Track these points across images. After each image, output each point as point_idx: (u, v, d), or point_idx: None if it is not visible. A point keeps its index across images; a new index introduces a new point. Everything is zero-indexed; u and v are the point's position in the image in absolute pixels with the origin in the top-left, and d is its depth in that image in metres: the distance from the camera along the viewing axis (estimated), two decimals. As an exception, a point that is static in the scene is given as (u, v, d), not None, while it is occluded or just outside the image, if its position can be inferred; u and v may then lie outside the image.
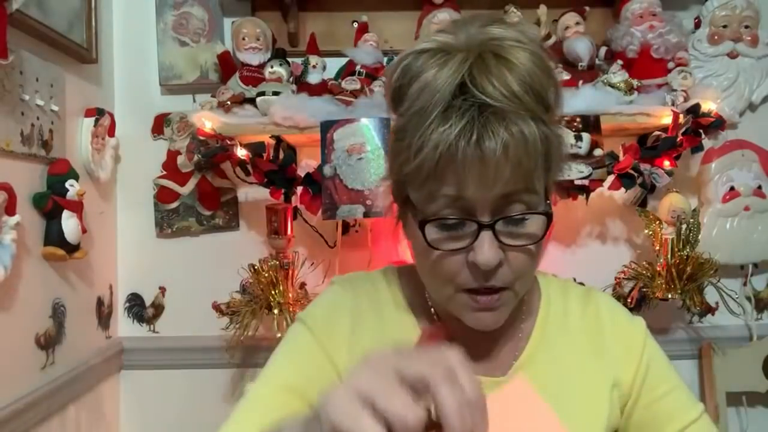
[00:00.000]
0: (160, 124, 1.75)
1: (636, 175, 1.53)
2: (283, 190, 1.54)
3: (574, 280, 0.84)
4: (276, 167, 1.52)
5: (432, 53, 0.62)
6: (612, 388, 0.74)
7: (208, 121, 1.52)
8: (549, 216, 0.64)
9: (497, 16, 0.66)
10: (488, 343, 0.74)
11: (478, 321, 0.67)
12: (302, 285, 1.63)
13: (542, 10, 1.65)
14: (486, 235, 0.61)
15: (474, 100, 0.59)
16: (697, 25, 1.73)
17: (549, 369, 0.74)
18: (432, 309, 0.76)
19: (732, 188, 1.68)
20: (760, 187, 1.68)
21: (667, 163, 1.53)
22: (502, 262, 0.63)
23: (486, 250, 0.61)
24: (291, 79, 1.62)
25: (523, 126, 0.59)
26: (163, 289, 1.77)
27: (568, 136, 1.48)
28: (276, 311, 1.53)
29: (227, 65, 1.66)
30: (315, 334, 0.73)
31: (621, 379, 0.74)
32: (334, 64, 1.67)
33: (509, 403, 0.71)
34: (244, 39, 1.62)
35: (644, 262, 1.64)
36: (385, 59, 1.67)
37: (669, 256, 1.58)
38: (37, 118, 1.32)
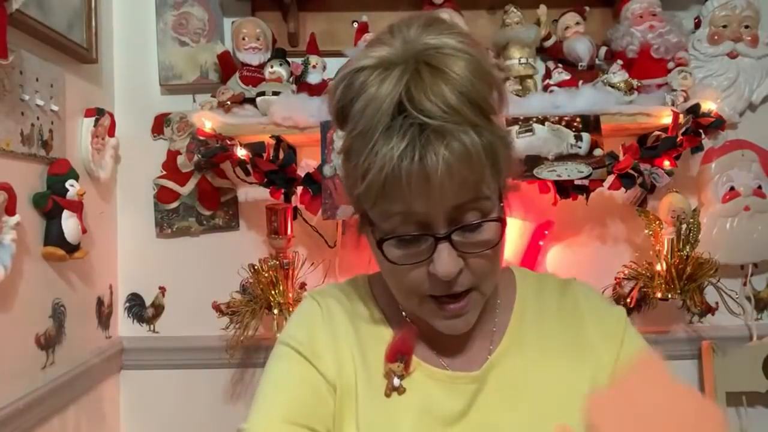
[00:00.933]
0: (160, 124, 1.75)
1: (636, 175, 1.53)
2: (283, 190, 1.54)
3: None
4: (276, 167, 1.52)
5: (371, 70, 0.62)
6: (592, 378, 0.73)
7: (208, 121, 1.52)
8: (501, 221, 0.65)
9: (433, 18, 0.65)
10: (462, 339, 0.75)
11: (450, 328, 0.69)
12: (302, 285, 1.63)
13: (542, 10, 1.65)
14: (443, 247, 0.63)
15: (413, 119, 0.59)
16: (697, 25, 1.73)
17: (524, 364, 0.74)
18: (403, 312, 0.77)
19: (732, 188, 1.68)
20: (760, 187, 1.68)
21: (667, 163, 1.53)
22: (462, 269, 0.65)
23: (445, 261, 0.63)
24: (291, 79, 1.62)
25: (465, 139, 0.59)
26: (163, 289, 1.77)
27: (568, 137, 1.48)
28: (276, 311, 1.53)
29: (227, 65, 1.66)
30: (300, 351, 0.74)
31: (602, 364, 0.74)
32: (334, 64, 1.66)
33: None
34: (244, 39, 1.62)
35: (644, 262, 1.64)
36: (385, 59, 1.67)
37: (669, 256, 1.58)
38: (37, 118, 1.32)
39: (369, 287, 0.81)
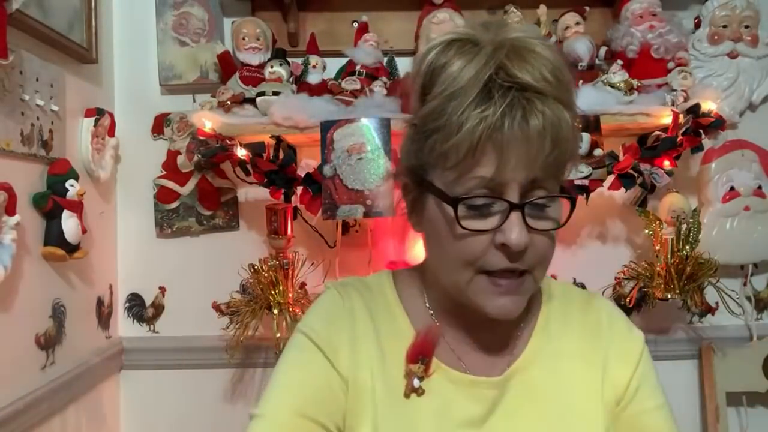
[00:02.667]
0: (160, 124, 1.75)
1: (636, 175, 1.52)
2: (283, 190, 1.54)
3: (574, 280, 0.84)
4: (276, 167, 1.52)
5: (461, 44, 0.64)
6: (606, 395, 0.74)
7: (208, 121, 1.52)
8: (573, 201, 0.66)
9: (508, 23, 0.69)
10: (485, 342, 0.74)
11: (500, 307, 0.66)
12: (302, 285, 1.63)
13: (542, 10, 1.65)
14: (516, 216, 0.62)
15: (512, 82, 0.60)
16: (697, 25, 1.73)
17: (546, 373, 0.73)
18: (430, 311, 0.76)
19: (732, 188, 1.68)
20: (760, 187, 1.68)
21: (667, 163, 1.52)
22: (527, 246, 0.63)
23: (517, 230, 0.62)
24: (291, 79, 1.62)
25: (558, 110, 0.61)
26: (163, 289, 1.77)
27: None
28: (276, 311, 1.53)
29: (227, 65, 1.66)
30: (317, 343, 0.73)
31: (616, 383, 0.74)
32: (334, 64, 1.67)
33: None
34: (244, 39, 1.62)
35: (644, 262, 1.64)
36: (385, 59, 1.67)
37: (669, 256, 1.58)
38: (37, 118, 1.32)
39: (393, 283, 0.79)
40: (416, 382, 0.70)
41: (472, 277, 0.66)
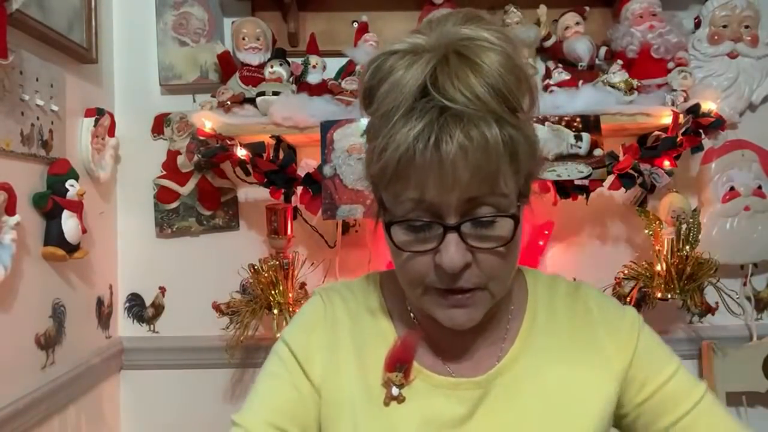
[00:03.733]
0: (160, 124, 1.75)
1: (636, 175, 1.52)
2: (283, 190, 1.54)
3: (574, 280, 0.83)
4: (276, 167, 1.52)
5: (401, 54, 0.62)
6: (600, 386, 0.72)
7: (208, 121, 1.52)
8: (516, 218, 0.63)
9: (474, 14, 0.64)
10: (469, 344, 0.73)
11: (451, 319, 0.66)
12: (302, 285, 1.63)
13: (542, 10, 1.65)
14: (452, 238, 0.61)
15: (435, 102, 0.59)
16: (697, 25, 1.73)
17: (532, 369, 0.72)
18: (411, 314, 0.75)
19: (732, 188, 1.68)
20: (760, 187, 1.68)
21: (667, 163, 1.52)
22: (470, 264, 0.63)
23: (452, 252, 0.61)
24: (291, 79, 1.62)
25: (484, 128, 0.58)
26: (163, 289, 1.77)
27: (568, 137, 1.48)
28: (276, 311, 1.53)
29: (227, 65, 1.66)
30: (294, 352, 0.75)
31: (617, 371, 0.73)
32: (334, 64, 1.67)
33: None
34: (244, 39, 1.62)
35: (644, 262, 1.64)
36: (385, 59, 1.67)
37: (669, 256, 1.58)
38: (37, 118, 1.32)
39: (380, 286, 0.79)
40: (395, 391, 0.70)
41: (423, 292, 0.66)
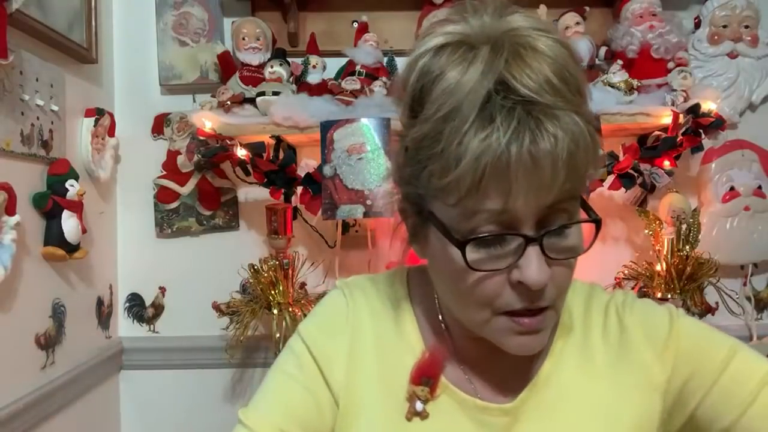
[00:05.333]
0: (160, 124, 1.75)
1: (636, 175, 1.53)
2: (283, 190, 1.54)
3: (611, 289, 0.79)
4: (276, 167, 1.52)
5: (453, 48, 0.55)
6: (646, 401, 0.65)
7: (208, 121, 1.52)
8: (599, 223, 0.57)
9: (508, 3, 0.57)
10: (500, 363, 0.66)
11: (522, 346, 0.59)
12: (302, 285, 1.64)
13: (542, 10, 1.65)
14: (533, 251, 0.54)
15: (515, 98, 0.51)
16: (697, 25, 1.73)
17: (563, 393, 0.66)
18: (442, 323, 0.69)
19: (732, 188, 1.68)
20: (760, 187, 1.68)
21: (667, 163, 1.53)
22: (548, 281, 0.56)
23: (535, 267, 0.54)
24: (291, 79, 1.62)
25: (571, 122, 0.52)
26: (163, 289, 1.77)
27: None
28: (276, 311, 1.53)
29: (227, 65, 1.66)
30: (312, 352, 0.69)
31: (658, 383, 0.65)
32: (334, 64, 1.67)
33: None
34: (244, 39, 1.62)
35: (644, 262, 1.64)
36: (385, 59, 1.67)
37: (669, 256, 1.58)
38: (37, 118, 1.32)
39: (407, 289, 0.72)
40: (419, 406, 0.65)
41: (490, 318, 0.58)
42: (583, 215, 0.59)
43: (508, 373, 0.67)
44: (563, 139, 0.51)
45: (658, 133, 1.57)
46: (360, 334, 0.69)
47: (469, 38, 0.55)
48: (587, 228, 0.59)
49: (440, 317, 0.69)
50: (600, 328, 0.69)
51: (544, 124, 0.51)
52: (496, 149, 0.51)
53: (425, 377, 0.65)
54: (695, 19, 1.74)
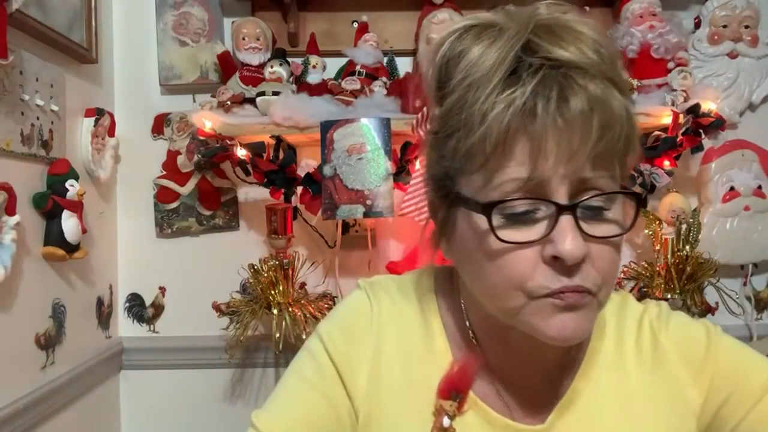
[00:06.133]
0: (160, 124, 1.75)
1: (636, 175, 1.52)
2: (283, 190, 1.54)
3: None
4: (276, 167, 1.52)
5: (479, 29, 0.54)
6: (680, 424, 0.62)
7: (208, 121, 1.52)
8: (640, 198, 0.54)
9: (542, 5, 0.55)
10: (530, 376, 0.63)
11: (563, 328, 0.53)
12: (302, 285, 1.64)
13: (542, 10, 1.65)
14: (567, 221, 0.50)
15: (544, 58, 0.49)
16: (697, 25, 1.73)
17: (596, 411, 0.62)
18: (470, 332, 0.64)
19: (732, 188, 1.68)
20: (760, 187, 1.68)
21: (667, 163, 1.53)
22: (585, 259, 0.51)
23: (570, 237, 0.50)
24: (291, 79, 1.62)
25: (605, 88, 0.49)
26: (163, 289, 1.77)
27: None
28: (276, 311, 1.53)
29: (227, 65, 1.66)
30: (334, 358, 0.64)
31: (694, 406, 0.62)
32: (334, 64, 1.67)
33: None
34: (244, 39, 1.62)
35: (644, 262, 1.64)
36: (385, 59, 1.67)
37: (669, 255, 1.58)
38: (37, 118, 1.32)
39: (434, 294, 0.67)
40: (446, 422, 0.60)
41: (524, 304, 0.53)
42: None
43: (539, 387, 0.63)
44: (596, 96, 0.48)
45: (658, 133, 1.57)
46: (384, 341, 0.65)
47: (498, 23, 0.53)
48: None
49: (468, 324, 0.64)
50: (633, 342, 0.65)
51: (574, 79, 0.49)
52: (521, 103, 0.48)
53: (454, 391, 0.61)
54: (695, 19, 1.74)
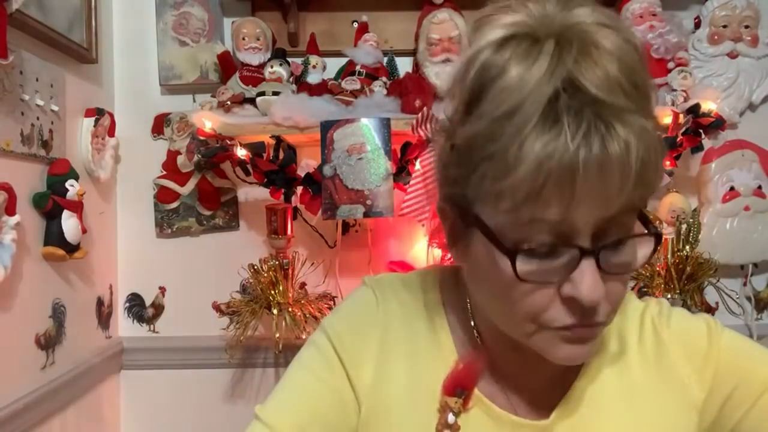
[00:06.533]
0: (160, 124, 1.75)
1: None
2: (283, 190, 1.54)
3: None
4: (276, 167, 1.52)
5: (517, 42, 0.50)
6: (683, 420, 0.63)
7: (208, 121, 1.52)
8: (659, 238, 0.54)
9: None
10: (536, 376, 0.64)
11: (569, 356, 0.55)
12: (302, 285, 1.64)
13: (542, 10, 1.65)
14: (589, 264, 0.50)
15: (584, 99, 0.47)
16: (697, 25, 1.73)
17: (599, 408, 0.63)
18: (476, 332, 0.65)
19: (732, 188, 1.68)
20: (760, 187, 1.68)
21: (667, 163, 1.52)
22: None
23: (591, 282, 0.50)
24: (291, 79, 1.62)
25: (640, 127, 0.48)
26: (163, 289, 1.77)
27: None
28: (276, 311, 1.53)
29: (227, 65, 1.66)
30: (339, 353, 0.65)
31: (696, 400, 0.62)
32: (334, 64, 1.67)
33: None
34: (244, 39, 1.62)
35: (644, 262, 1.64)
36: (385, 59, 1.67)
37: (669, 255, 1.58)
38: (37, 118, 1.32)
39: (440, 293, 0.68)
40: (451, 418, 0.61)
41: (535, 331, 0.55)
42: (639, 229, 0.54)
43: (544, 387, 0.64)
44: (635, 146, 0.47)
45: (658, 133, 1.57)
46: (390, 336, 0.65)
47: (534, 31, 0.50)
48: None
49: (473, 324, 0.65)
50: (635, 339, 0.66)
51: (615, 128, 0.47)
52: (563, 154, 0.46)
53: (459, 388, 0.62)
54: (695, 19, 1.74)
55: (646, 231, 0.53)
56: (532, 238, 0.51)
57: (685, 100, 1.55)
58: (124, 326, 1.76)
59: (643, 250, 0.54)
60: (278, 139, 1.58)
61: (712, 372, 0.62)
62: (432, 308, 0.67)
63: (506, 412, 0.63)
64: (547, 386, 0.64)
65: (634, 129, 0.47)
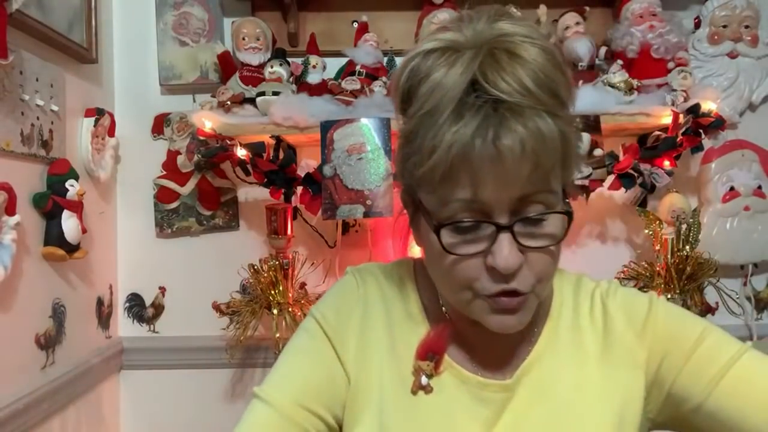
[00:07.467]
0: (160, 124, 1.75)
1: (636, 175, 1.53)
2: (283, 190, 1.54)
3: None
4: (276, 167, 1.52)
5: (440, 52, 0.60)
6: (631, 381, 0.70)
7: (208, 121, 1.52)
8: (570, 215, 0.62)
9: (503, 10, 0.63)
10: (498, 344, 0.71)
11: (501, 324, 0.64)
12: (302, 285, 1.64)
13: (542, 10, 1.65)
14: (505, 237, 0.59)
15: (487, 97, 0.57)
16: (697, 25, 1.73)
17: (555, 372, 0.70)
18: (443, 308, 0.74)
19: (732, 188, 1.68)
20: (760, 187, 1.68)
21: (667, 163, 1.53)
22: (523, 265, 0.61)
23: (506, 252, 0.59)
24: (291, 79, 1.62)
25: (539, 122, 0.56)
26: (163, 289, 1.77)
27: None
28: (276, 311, 1.53)
29: (227, 65, 1.66)
30: (326, 331, 0.73)
31: (641, 362, 0.70)
32: (334, 64, 1.67)
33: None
34: (244, 39, 1.62)
35: (644, 262, 1.64)
36: (385, 59, 1.67)
37: (669, 255, 1.58)
38: (37, 118, 1.32)
39: (414, 275, 0.77)
40: (424, 380, 0.69)
41: (471, 299, 0.64)
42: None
43: (506, 354, 0.72)
44: (526, 138, 0.56)
45: (658, 133, 1.57)
46: (370, 314, 0.74)
47: (456, 44, 0.60)
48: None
49: (441, 303, 0.73)
50: (587, 313, 0.74)
51: (508, 122, 0.56)
52: (464, 142, 0.56)
53: (430, 353, 0.70)
54: (695, 19, 1.74)
55: (559, 209, 0.62)
56: (456, 216, 0.60)
57: (685, 100, 1.55)
58: (124, 326, 1.76)
59: (565, 225, 0.62)
60: (278, 139, 1.58)
61: (651, 337, 0.70)
62: (406, 289, 0.76)
63: (473, 374, 0.71)
64: (509, 353, 0.72)
65: (528, 122, 0.56)
